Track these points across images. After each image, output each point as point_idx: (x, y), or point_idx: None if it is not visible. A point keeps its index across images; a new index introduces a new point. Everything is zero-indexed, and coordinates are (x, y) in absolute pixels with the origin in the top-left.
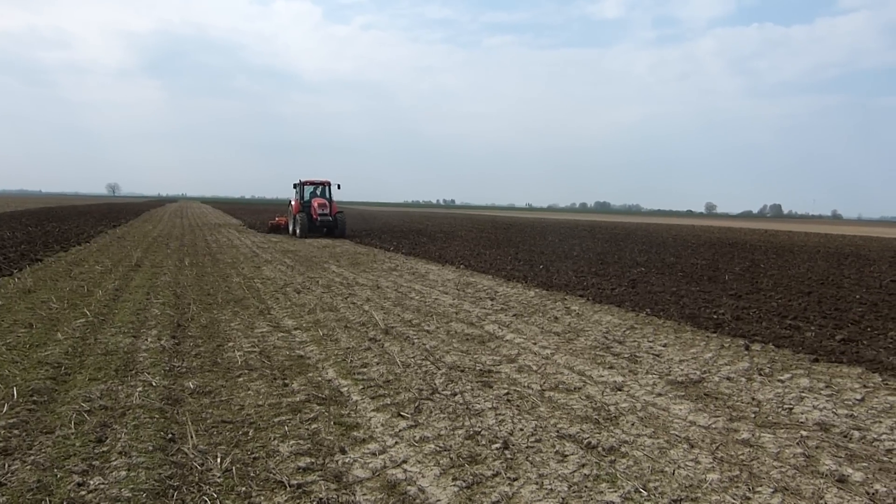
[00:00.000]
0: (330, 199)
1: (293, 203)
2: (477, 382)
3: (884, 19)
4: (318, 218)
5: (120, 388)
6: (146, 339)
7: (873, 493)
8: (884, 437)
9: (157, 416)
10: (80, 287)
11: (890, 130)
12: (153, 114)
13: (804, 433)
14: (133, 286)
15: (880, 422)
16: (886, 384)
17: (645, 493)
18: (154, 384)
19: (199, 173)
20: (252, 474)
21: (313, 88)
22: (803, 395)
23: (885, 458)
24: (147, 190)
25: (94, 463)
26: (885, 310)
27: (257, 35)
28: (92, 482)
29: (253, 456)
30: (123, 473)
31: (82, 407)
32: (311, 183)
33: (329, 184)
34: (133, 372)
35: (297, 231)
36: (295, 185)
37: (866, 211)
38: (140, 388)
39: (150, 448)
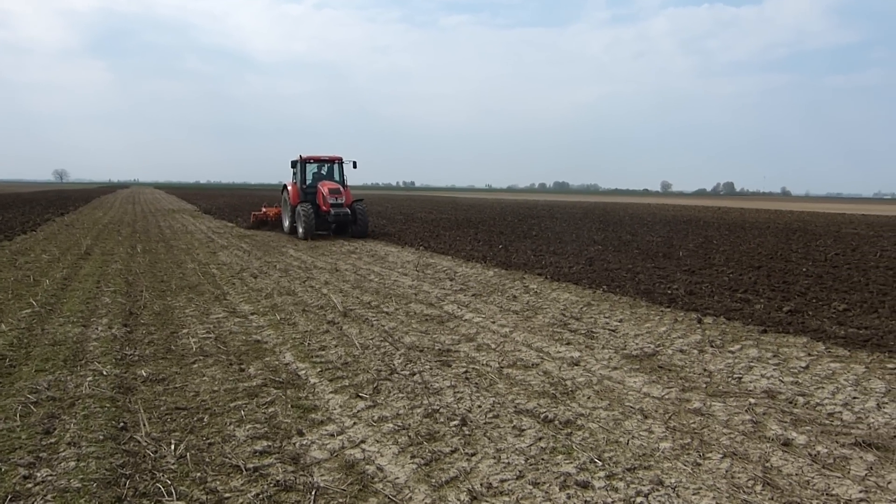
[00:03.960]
0: (343, 184)
1: (289, 189)
2: (436, 362)
3: (826, 1)
4: (329, 210)
5: (69, 378)
6: (96, 328)
7: (815, 455)
8: (826, 401)
9: (108, 405)
10: (25, 277)
11: (835, 109)
12: (100, 95)
13: (752, 401)
14: (82, 275)
15: (823, 387)
16: (829, 352)
17: (600, 463)
18: (105, 373)
19: (152, 158)
20: (207, 459)
21: (267, 70)
22: (752, 364)
23: (826, 422)
24: (97, 176)
25: (41, 455)
26: (829, 282)
27: (207, 14)
28: (39, 474)
29: (208, 441)
30: (72, 464)
31: (28, 399)
32: (317, 160)
33: (340, 161)
34: (83, 361)
35: (301, 228)
36: (294, 164)
37: (813, 188)
38: (90, 378)
39: (101, 437)
